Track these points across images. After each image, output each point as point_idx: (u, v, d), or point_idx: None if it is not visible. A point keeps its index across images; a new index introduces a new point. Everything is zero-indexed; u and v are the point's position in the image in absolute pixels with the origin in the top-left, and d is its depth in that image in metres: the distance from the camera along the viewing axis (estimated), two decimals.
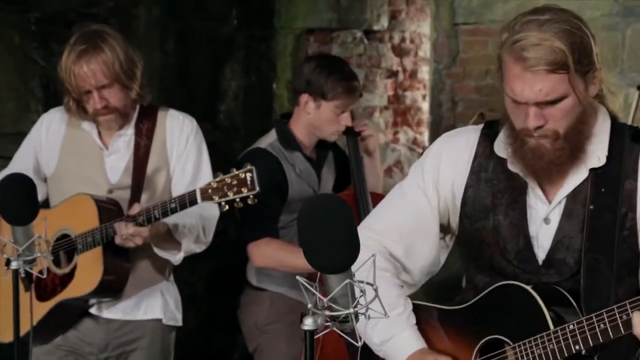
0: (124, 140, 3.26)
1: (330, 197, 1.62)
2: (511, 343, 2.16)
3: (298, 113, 3.60)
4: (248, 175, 2.89)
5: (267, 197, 3.32)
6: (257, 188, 2.89)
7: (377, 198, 3.58)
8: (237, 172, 2.91)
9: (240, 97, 5.33)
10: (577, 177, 2.17)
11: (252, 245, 3.50)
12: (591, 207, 2.14)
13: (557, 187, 2.19)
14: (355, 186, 3.66)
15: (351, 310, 1.56)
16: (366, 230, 2.35)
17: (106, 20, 4.51)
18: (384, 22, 5.79)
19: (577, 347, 2.05)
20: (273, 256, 3.47)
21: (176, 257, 3.24)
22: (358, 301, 1.58)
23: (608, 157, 2.15)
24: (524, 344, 2.13)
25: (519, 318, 2.15)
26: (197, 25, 5.08)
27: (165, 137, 3.27)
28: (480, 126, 2.33)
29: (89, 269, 3.15)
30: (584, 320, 2.05)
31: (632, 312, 1.97)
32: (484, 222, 2.25)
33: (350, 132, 3.67)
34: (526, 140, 2.13)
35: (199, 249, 3.27)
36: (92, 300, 3.24)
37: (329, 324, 1.59)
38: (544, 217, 2.19)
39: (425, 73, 6.05)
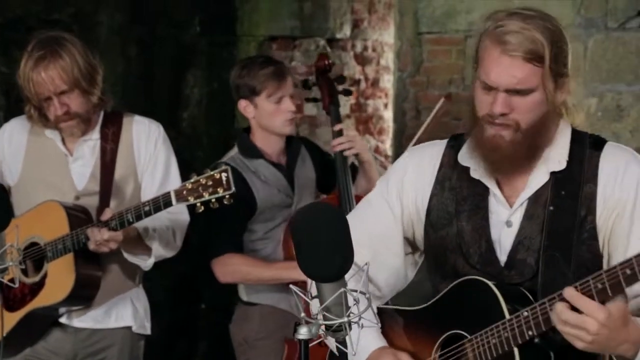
0: (89, 145, 3.23)
1: (323, 205, 1.61)
2: (469, 336, 2.18)
3: (250, 122, 3.58)
4: (223, 175, 2.87)
5: (229, 212, 3.28)
6: (233, 188, 2.87)
7: None
8: (212, 173, 2.89)
9: (202, 104, 5.31)
10: (538, 180, 2.21)
11: (215, 261, 3.47)
12: (551, 208, 2.18)
13: (519, 191, 2.22)
14: (339, 189, 3.61)
15: (345, 319, 1.55)
16: None
17: (68, 26, 4.47)
18: (347, 31, 5.81)
19: (530, 333, 2.07)
20: (236, 271, 3.45)
21: (146, 262, 3.22)
22: (351, 310, 1.57)
23: (568, 162, 2.20)
24: (481, 335, 2.15)
25: (478, 311, 2.17)
26: (160, 31, 5.05)
27: (132, 142, 3.24)
28: (446, 140, 2.36)
29: (60, 277, 3.10)
30: (537, 305, 2.08)
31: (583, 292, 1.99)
32: (447, 229, 2.27)
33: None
34: (485, 129, 2.16)
35: (169, 253, 3.25)
36: (62, 309, 3.20)
37: (322, 333, 1.58)
38: (506, 220, 2.22)
39: (386, 82, 6.08)
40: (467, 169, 2.26)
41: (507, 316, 2.11)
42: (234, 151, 3.58)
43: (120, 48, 4.88)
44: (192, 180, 2.92)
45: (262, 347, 3.55)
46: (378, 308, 2.37)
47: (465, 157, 2.27)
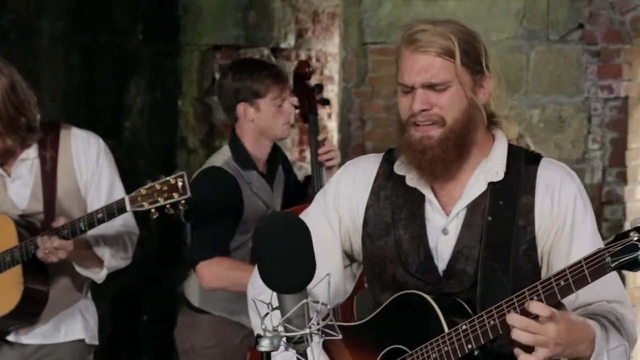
0: (27, 165, 3.13)
1: (286, 215, 1.60)
2: (409, 351, 2.18)
3: (241, 127, 3.50)
4: (179, 180, 2.84)
5: (222, 217, 3.23)
6: (189, 193, 2.84)
7: None
8: (167, 179, 2.85)
9: (145, 113, 5.26)
10: (475, 189, 2.22)
11: (203, 264, 3.33)
12: (489, 218, 2.19)
13: (455, 199, 2.24)
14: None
15: (307, 331, 1.54)
16: None
17: (8, 32, 4.39)
18: (291, 40, 5.81)
19: (469, 347, 2.09)
20: (226, 276, 3.34)
21: (99, 275, 3.15)
22: (312, 321, 1.55)
23: (506, 173, 2.22)
24: (421, 350, 2.15)
25: (417, 325, 2.17)
26: (102, 39, 5.00)
27: (72, 158, 3.15)
28: (382, 153, 2.37)
29: (6, 290, 3.02)
30: (475, 319, 2.09)
31: (519, 307, 2.03)
32: (385, 239, 2.27)
33: (314, 146, 3.58)
34: (412, 133, 2.18)
35: (122, 264, 3.19)
36: (10, 327, 3.12)
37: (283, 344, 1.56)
38: (442, 227, 2.23)
39: (330, 92, 6.09)
40: (402, 178, 2.27)
41: (446, 330, 2.12)
42: (227, 155, 3.48)
43: (62, 55, 4.82)
44: (146, 186, 2.88)
45: (210, 356, 3.49)
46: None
47: (400, 167, 2.28)
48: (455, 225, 2.23)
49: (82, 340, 3.22)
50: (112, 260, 3.13)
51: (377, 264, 2.29)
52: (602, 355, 2.08)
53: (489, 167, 2.22)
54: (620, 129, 4.90)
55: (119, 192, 3.19)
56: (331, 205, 2.33)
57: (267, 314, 1.61)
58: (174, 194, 2.83)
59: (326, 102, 3.84)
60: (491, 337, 2.07)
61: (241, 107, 3.47)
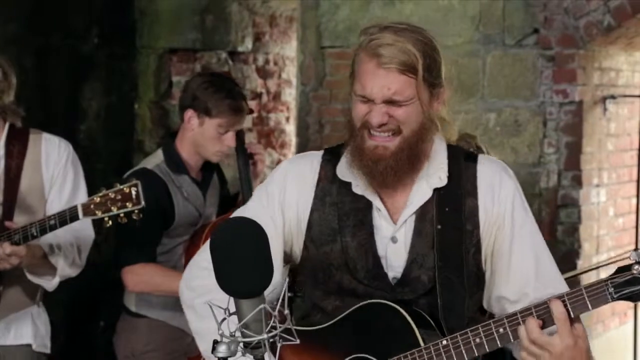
0: None
1: (243, 220, 1.59)
2: None
3: (183, 130, 3.51)
4: (133, 189, 2.82)
5: (148, 222, 3.22)
6: (142, 203, 2.82)
7: None
8: (121, 187, 2.84)
9: (101, 117, 5.22)
10: (420, 197, 2.22)
11: (127, 270, 3.38)
12: (439, 226, 2.19)
13: (401, 208, 2.23)
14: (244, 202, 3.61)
15: (265, 336, 1.53)
16: (205, 254, 2.13)
17: None
18: (248, 44, 5.80)
19: None
20: (148, 281, 3.38)
21: (51, 283, 3.13)
22: (270, 326, 1.54)
23: (449, 177, 2.22)
24: None
25: (388, 336, 2.16)
26: (57, 42, 4.94)
27: (40, 159, 3.14)
28: (321, 152, 2.34)
29: None
30: (458, 335, 2.08)
31: (509, 326, 2.04)
32: (331, 245, 2.25)
33: (242, 153, 3.62)
34: (365, 140, 2.17)
35: (74, 272, 3.17)
36: None
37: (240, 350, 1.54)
38: (391, 236, 2.22)
39: (288, 95, 6.09)
40: (347, 184, 2.25)
41: (421, 341, 2.11)
42: (159, 158, 3.49)
43: (15, 58, 4.74)
44: (100, 194, 2.85)
45: None
46: None
47: (344, 172, 2.25)
48: (404, 234, 2.22)
49: (29, 346, 3.19)
50: (65, 268, 3.11)
51: (322, 270, 2.26)
52: None
53: (430, 173, 2.21)
54: (575, 133, 4.96)
55: (82, 198, 3.16)
56: (277, 205, 2.29)
57: (224, 319, 1.59)
58: (128, 203, 2.82)
59: (249, 112, 3.86)
60: (476, 355, 2.07)
61: (189, 113, 3.48)
